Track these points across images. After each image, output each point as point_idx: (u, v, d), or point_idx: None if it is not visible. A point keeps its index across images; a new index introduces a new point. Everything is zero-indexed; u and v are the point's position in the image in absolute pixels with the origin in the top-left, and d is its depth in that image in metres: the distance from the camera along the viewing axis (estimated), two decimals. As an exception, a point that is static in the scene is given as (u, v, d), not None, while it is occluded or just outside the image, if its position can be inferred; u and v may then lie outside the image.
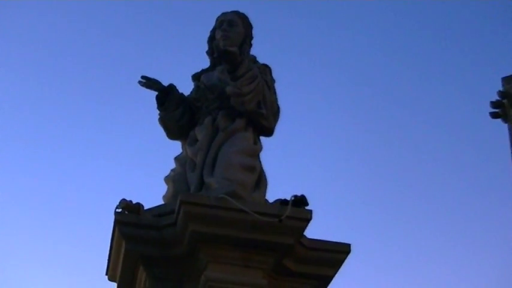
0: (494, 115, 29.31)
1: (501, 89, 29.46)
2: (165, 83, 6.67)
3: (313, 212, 5.75)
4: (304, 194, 5.80)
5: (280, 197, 5.95)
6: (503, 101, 28.77)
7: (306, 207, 5.78)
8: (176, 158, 6.57)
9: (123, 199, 5.86)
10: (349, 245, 6.00)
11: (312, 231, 5.99)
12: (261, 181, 6.19)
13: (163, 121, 6.62)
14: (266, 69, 6.59)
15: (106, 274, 6.37)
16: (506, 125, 28.49)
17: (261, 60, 6.77)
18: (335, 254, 5.97)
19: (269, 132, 6.53)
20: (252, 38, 6.91)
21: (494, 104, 29.21)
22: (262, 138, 6.51)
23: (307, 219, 5.73)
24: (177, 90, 6.67)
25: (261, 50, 6.99)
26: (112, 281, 6.36)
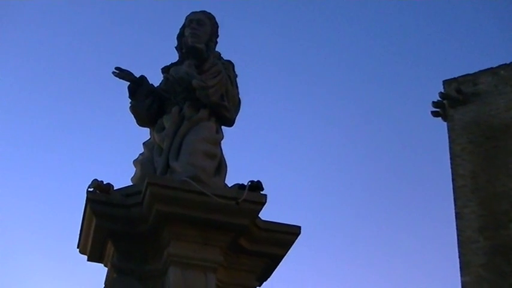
0: (435, 114, 29.81)
1: (442, 90, 29.93)
2: (139, 75, 6.65)
3: (267, 197, 5.79)
4: (260, 180, 5.84)
5: (238, 182, 5.97)
6: (444, 101, 29.30)
7: (261, 192, 5.81)
8: (145, 143, 6.56)
9: (95, 179, 5.84)
10: (299, 227, 6.05)
11: (267, 214, 6.04)
12: (221, 167, 6.20)
13: (134, 109, 6.60)
14: (230, 65, 6.62)
15: (77, 247, 6.36)
16: (445, 123, 28.92)
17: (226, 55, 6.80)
18: (286, 235, 6.02)
19: (230, 123, 6.55)
20: (218, 36, 6.91)
21: (435, 104, 29.75)
22: (223, 128, 6.51)
23: (262, 203, 5.77)
24: (148, 81, 6.65)
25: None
26: (83, 253, 6.36)
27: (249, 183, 5.81)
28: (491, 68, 26.68)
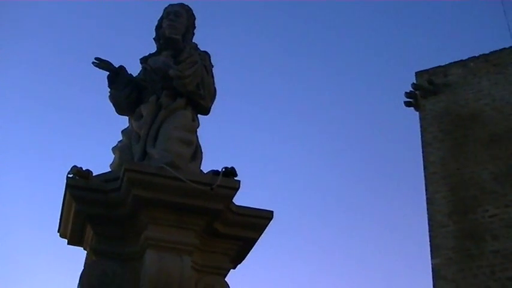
0: (407, 104, 29.91)
1: (414, 81, 30.04)
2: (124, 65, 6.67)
3: (241, 182, 5.79)
4: (234, 167, 5.84)
5: (213, 168, 5.97)
6: (416, 92, 29.41)
7: (235, 178, 5.81)
8: (123, 131, 6.53)
9: (75, 166, 5.82)
10: (271, 211, 6.05)
11: (242, 200, 6.05)
12: (196, 154, 6.20)
13: (113, 98, 6.58)
14: (206, 55, 6.60)
15: (58, 231, 6.33)
16: (417, 113, 29.02)
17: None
18: (259, 219, 6.02)
19: (206, 111, 6.54)
20: (194, 27, 6.90)
21: (408, 95, 29.83)
22: (200, 116, 6.50)
23: (236, 188, 5.77)
24: (126, 71, 6.63)
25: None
26: (63, 237, 6.33)
27: (223, 169, 5.81)
28: (461, 60, 26.82)
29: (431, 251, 23.34)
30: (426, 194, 24.56)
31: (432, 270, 22.90)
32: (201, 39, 6.87)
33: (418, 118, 26.61)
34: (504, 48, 26.37)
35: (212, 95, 6.53)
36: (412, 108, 27.09)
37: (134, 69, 6.75)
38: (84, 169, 5.82)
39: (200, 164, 6.20)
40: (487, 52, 26.53)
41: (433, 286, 22.62)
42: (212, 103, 6.54)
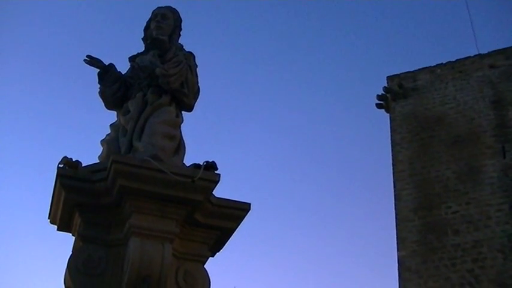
0: (379, 106, 30.03)
1: (386, 85, 30.14)
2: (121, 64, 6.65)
3: (220, 176, 5.78)
4: (215, 161, 5.83)
5: (195, 162, 5.95)
6: (387, 95, 29.50)
7: (215, 171, 5.79)
8: (111, 125, 6.50)
9: (65, 157, 5.80)
10: (249, 204, 6.04)
11: (225, 193, 6.05)
12: (180, 148, 6.17)
13: (102, 94, 6.55)
14: (190, 56, 6.58)
15: (48, 218, 6.30)
16: (388, 114, 29.13)
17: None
18: (237, 210, 6.01)
19: (189, 108, 6.51)
20: (180, 29, 6.87)
21: (379, 97, 29.93)
22: (183, 113, 6.47)
23: (215, 181, 5.76)
24: (116, 68, 6.59)
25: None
26: (53, 224, 6.29)
27: (205, 163, 5.79)
28: (429, 66, 27.00)
29: (397, 243, 23.50)
30: (394, 191, 24.71)
31: (398, 262, 23.06)
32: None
33: (388, 119, 26.75)
34: (469, 57, 26.58)
35: (195, 93, 6.51)
36: (383, 110, 27.23)
37: (123, 67, 6.74)
38: (73, 160, 5.79)
39: (183, 157, 6.17)
40: (453, 60, 26.74)
41: (399, 276, 22.77)
42: (195, 101, 6.52)
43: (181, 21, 6.88)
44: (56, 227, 6.26)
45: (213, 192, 5.89)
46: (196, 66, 6.61)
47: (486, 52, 26.34)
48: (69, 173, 5.74)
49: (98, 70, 6.55)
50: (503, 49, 26.07)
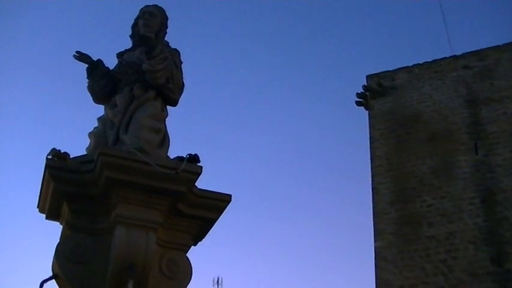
0: (358, 104, 30.05)
1: (365, 83, 30.16)
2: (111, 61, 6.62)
3: (203, 168, 5.77)
4: (197, 154, 5.83)
5: (179, 155, 5.95)
6: (366, 93, 29.55)
7: (198, 164, 5.79)
8: (99, 118, 6.46)
9: (54, 148, 5.77)
10: (230, 195, 6.04)
11: (206, 184, 6.04)
12: (164, 141, 6.15)
13: (91, 88, 6.53)
14: (176, 53, 6.56)
15: (37, 207, 6.27)
16: (367, 112, 29.18)
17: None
18: (218, 201, 6.00)
19: (174, 103, 6.49)
20: (167, 27, 6.85)
21: (359, 95, 29.96)
22: (169, 107, 6.45)
23: (198, 173, 5.75)
24: (104, 64, 6.58)
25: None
26: (42, 213, 6.26)
27: (188, 156, 5.78)
28: (407, 66, 27.11)
29: (374, 235, 23.58)
30: (372, 185, 24.80)
31: (375, 252, 23.16)
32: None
33: (367, 116, 26.83)
34: (445, 58, 26.73)
35: (180, 88, 6.49)
36: (362, 107, 27.31)
37: (112, 62, 6.72)
38: (62, 151, 5.77)
39: (167, 150, 6.15)
40: (430, 60, 26.86)
41: (375, 266, 22.87)
42: (180, 96, 6.50)
43: (167, 19, 6.86)
44: (44, 216, 6.24)
45: (196, 184, 5.89)
46: (181, 62, 6.59)
47: (461, 53, 26.49)
48: (57, 164, 5.71)
49: (87, 65, 6.53)
50: (477, 51, 26.22)
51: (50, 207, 6.03)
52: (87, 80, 6.54)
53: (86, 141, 6.36)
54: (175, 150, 6.15)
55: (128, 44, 6.84)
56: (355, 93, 27.26)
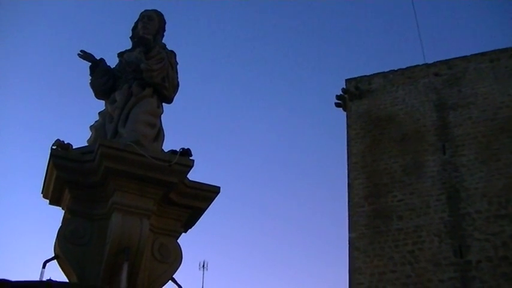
0: (337, 105, 30.09)
1: (344, 86, 30.19)
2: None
3: (194, 161, 5.79)
4: (190, 148, 5.85)
5: (173, 148, 5.97)
6: (345, 95, 29.56)
7: (190, 157, 5.81)
8: (100, 113, 6.49)
9: (58, 139, 5.78)
10: (218, 187, 6.07)
11: (197, 176, 6.07)
12: (159, 135, 6.17)
13: (92, 84, 6.54)
14: (172, 54, 6.58)
15: (41, 193, 6.27)
16: (345, 113, 29.20)
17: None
18: (207, 192, 6.04)
19: (169, 101, 6.51)
20: (164, 30, 6.88)
21: (338, 97, 29.99)
22: (164, 105, 6.47)
23: (189, 166, 5.77)
24: (105, 63, 6.60)
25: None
26: (45, 198, 6.26)
27: (181, 149, 5.81)
28: (383, 72, 27.20)
29: (349, 226, 23.68)
30: (347, 180, 24.88)
31: (348, 243, 23.25)
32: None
33: (345, 117, 26.90)
34: (417, 65, 26.85)
35: (175, 87, 6.51)
36: (341, 108, 27.38)
37: (112, 62, 6.73)
38: (65, 142, 5.78)
39: (162, 144, 6.17)
40: (404, 67, 26.96)
41: (349, 255, 22.98)
42: (175, 94, 6.52)
43: (165, 23, 6.89)
44: (48, 201, 6.24)
45: (188, 176, 5.91)
46: (177, 63, 6.62)
47: (432, 62, 26.62)
48: (61, 154, 5.72)
49: (90, 63, 6.54)
50: (447, 60, 26.36)
51: (53, 193, 6.03)
52: (90, 77, 6.55)
53: (88, 134, 6.38)
54: (169, 144, 6.18)
55: (128, 44, 6.87)
56: (334, 96, 27.34)
